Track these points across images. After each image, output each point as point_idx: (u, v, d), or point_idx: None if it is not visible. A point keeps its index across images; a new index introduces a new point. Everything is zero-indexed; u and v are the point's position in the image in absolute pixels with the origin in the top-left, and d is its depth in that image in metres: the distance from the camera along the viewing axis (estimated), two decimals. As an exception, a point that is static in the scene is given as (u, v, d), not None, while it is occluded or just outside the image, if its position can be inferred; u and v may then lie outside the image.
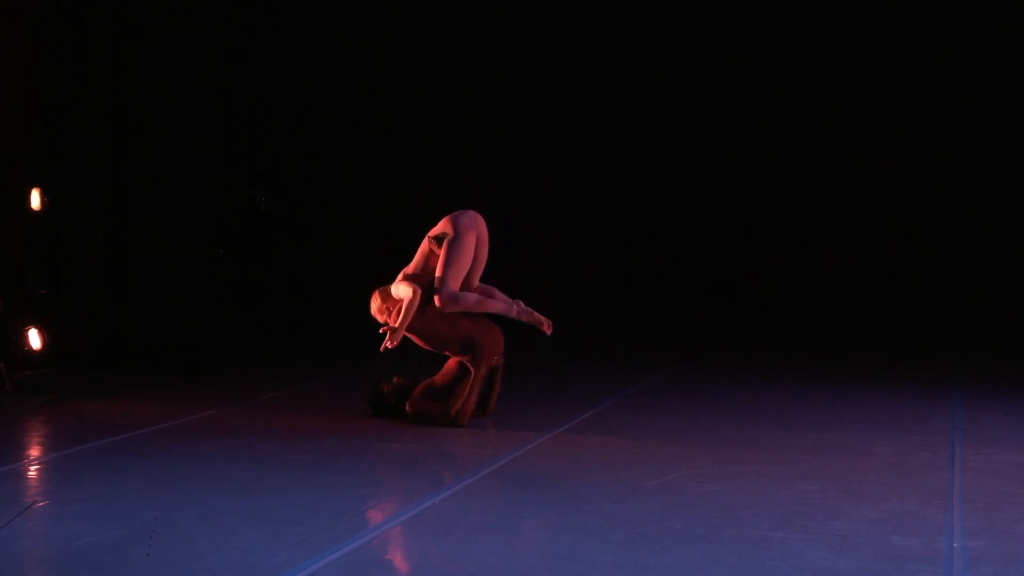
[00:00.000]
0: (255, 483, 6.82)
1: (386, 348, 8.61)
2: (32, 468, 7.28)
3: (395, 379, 8.93)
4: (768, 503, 6.50)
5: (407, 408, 8.72)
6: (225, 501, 6.38)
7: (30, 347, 10.28)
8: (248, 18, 14.76)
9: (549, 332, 8.73)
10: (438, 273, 8.48)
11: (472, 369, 8.72)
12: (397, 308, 8.65)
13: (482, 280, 8.86)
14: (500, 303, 8.66)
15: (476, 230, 8.60)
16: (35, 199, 10.77)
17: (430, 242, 8.60)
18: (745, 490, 6.80)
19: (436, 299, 8.49)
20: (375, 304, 8.82)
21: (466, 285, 8.67)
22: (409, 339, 8.78)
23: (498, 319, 8.93)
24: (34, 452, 7.90)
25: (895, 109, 14.93)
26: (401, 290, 8.60)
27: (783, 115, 15.14)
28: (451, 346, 8.76)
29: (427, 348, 8.88)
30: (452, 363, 8.88)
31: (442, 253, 8.49)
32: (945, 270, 15.00)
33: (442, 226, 8.62)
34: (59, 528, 5.89)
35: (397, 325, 8.55)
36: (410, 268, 8.68)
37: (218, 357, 11.48)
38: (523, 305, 8.70)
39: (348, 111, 15.63)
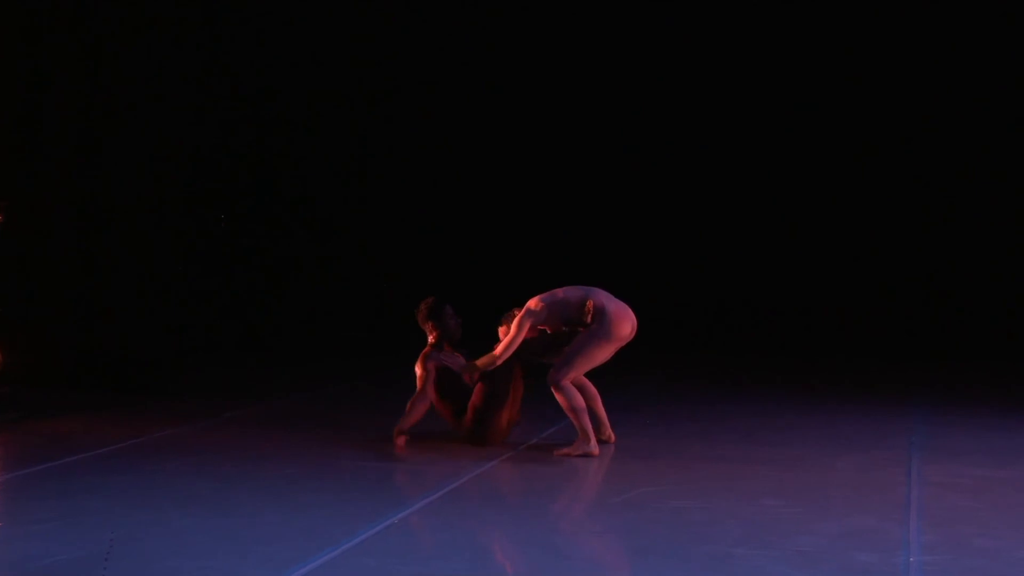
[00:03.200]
0: (221, 501, 6.80)
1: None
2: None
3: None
4: (733, 519, 6.56)
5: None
6: (191, 519, 6.36)
7: None
8: (223, 28, 14.66)
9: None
10: (566, 358, 8.24)
11: (460, 427, 8.56)
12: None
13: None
14: (587, 429, 8.20)
15: (623, 342, 8.38)
16: None
17: (589, 312, 8.27)
18: (710, 506, 6.86)
19: (549, 375, 8.28)
20: (502, 330, 8.61)
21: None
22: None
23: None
24: (-6, 472, 7.85)
25: (875, 129, 15.16)
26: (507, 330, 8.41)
27: (762, 131, 15.34)
28: (471, 398, 8.51)
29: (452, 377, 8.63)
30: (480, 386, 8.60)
31: (581, 340, 8.24)
32: (908, 287, 15.19)
33: (604, 301, 8.31)
34: (18, 550, 5.82)
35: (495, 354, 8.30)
36: (560, 293, 8.38)
37: (185, 373, 11.42)
38: (595, 445, 8.26)
39: (327, 120, 15.60)
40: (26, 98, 11.97)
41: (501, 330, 8.62)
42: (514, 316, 8.46)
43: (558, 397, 8.24)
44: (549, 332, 8.54)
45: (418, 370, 8.62)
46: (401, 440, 8.51)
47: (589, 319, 8.31)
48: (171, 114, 13.96)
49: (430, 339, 8.76)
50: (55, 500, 6.77)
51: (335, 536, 6.09)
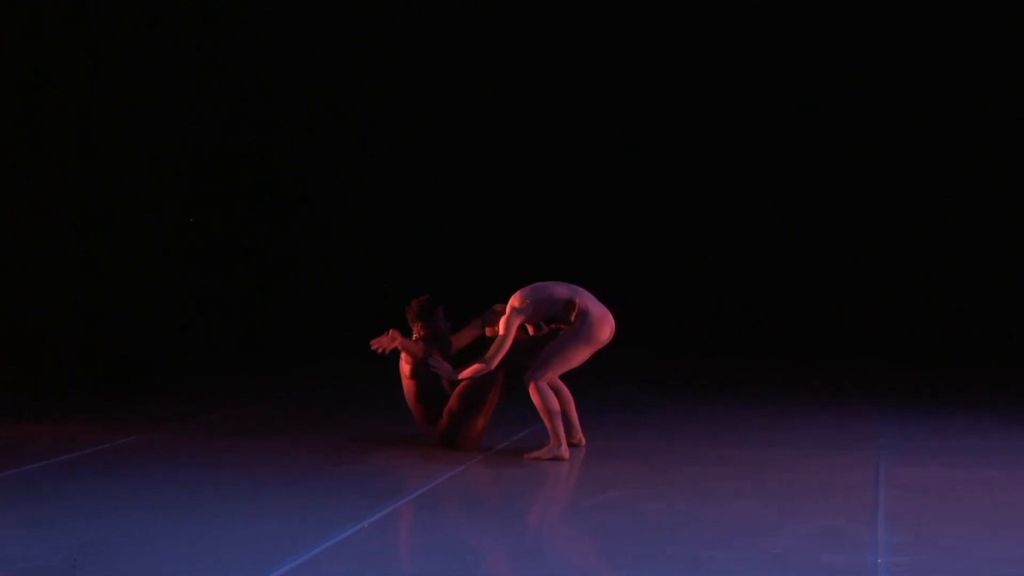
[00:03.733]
0: (188, 507, 6.74)
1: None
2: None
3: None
4: (702, 521, 6.59)
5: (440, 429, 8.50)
6: (162, 525, 6.34)
7: None
8: (223, 28, 14.66)
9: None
10: (544, 359, 8.20)
11: (431, 431, 8.52)
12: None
13: None
14: (559, 433, 8.13)
15: (601, 346, 8.32)
16: None
17: (575, 308, 8.21)
18: (680, 508, 6.89)
19: (526, 375, 8.23)
20: (489, 331, 8.52)
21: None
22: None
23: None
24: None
25: (875, 129, 15.22)
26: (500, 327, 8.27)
27: (762, 131, 15.40)
28: (443, 402, 8.44)
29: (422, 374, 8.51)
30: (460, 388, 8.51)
31: (561, 341, 8.20)
32: (878, 288, 15.28)
33: (588, 303, 8.26)
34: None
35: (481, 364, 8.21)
36: (544, 288, 8.29)
37: (180, 375, 11.39)
38: (566, 449, 8.23)
39: (327, 120, 15.63)
40: (26, 98, 12.03)
41: (488, 331, 8.59)
42: (497, 314, 8.41)
43: (534, 398, 8.20)
44: (531, 333, 8.55)
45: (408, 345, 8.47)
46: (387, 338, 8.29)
47: (573, 317, 8.26)
48: (171, 114, 14.05)
49: (414, 337, 8.67)
50: (26, 505, 6.73)
51: (307, 541, 6.07)
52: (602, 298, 8.55)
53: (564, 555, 6.10)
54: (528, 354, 8.41)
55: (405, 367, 8.57)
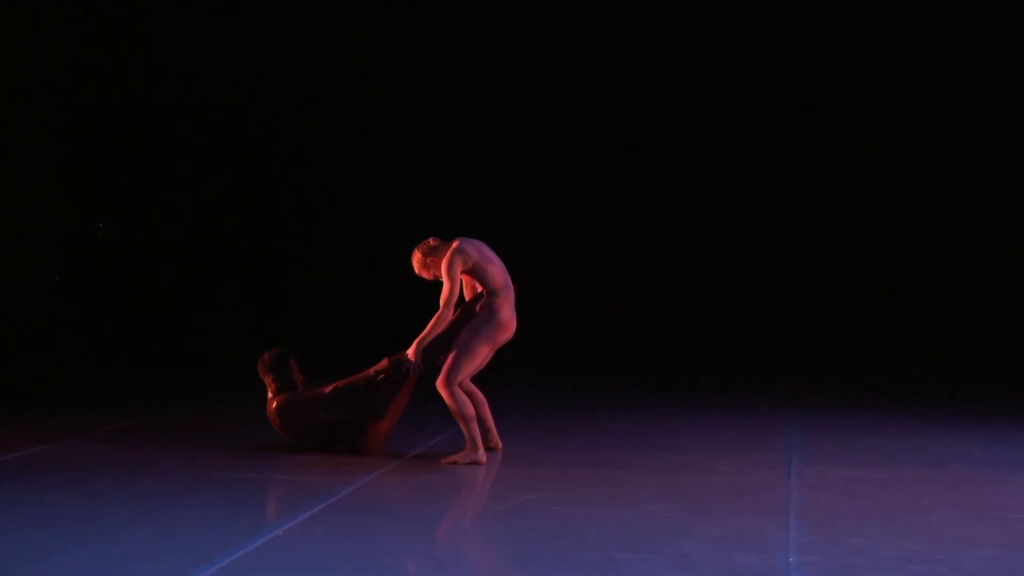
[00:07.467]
0: (94, 518, 6.59)
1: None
2: None
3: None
4: (615, 524, 6.61)
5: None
6: (62, 538, 6.17)
7: None
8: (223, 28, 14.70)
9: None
10: (452, 360, 8.12)
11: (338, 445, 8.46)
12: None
13: None
14: (475, 437, 8.12)
15: (500, 346, 8.30)
16: None
17: (487, 300, 8.16)
18: (593, 511, 6.91)
19: (438, 380, 8.18)
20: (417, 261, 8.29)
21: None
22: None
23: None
24: None
25: (875, 129, 15.19)
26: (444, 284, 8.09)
27: (762, 131, 15.41)
28: (321, 427, 8.43)
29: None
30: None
31: (464, 339, 8.14)
32: (784, 290, 15.28)
33: (505, 302, 8.18)
34: None
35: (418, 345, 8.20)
36: (488, 254, 8.22)
37: (62, 385, 11.24)
38: (483, 453, 8.20)
39: (327, 119, 15.70)
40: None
41: (415, 260, 8.33)
42: (431, 247, 8.26)
43: (448, 403, 8.17)
44: (466, 296, 8.41)
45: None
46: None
47: (479, 308, 8.20)
48: (169, 112, 14.16)
49: (269, 394, 8.64)
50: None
51: (221, 549, 6.00)
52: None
53: (476, 561, 6.12)
54: (446, 348, 8.29)
55: (275, 418, 8.55)
